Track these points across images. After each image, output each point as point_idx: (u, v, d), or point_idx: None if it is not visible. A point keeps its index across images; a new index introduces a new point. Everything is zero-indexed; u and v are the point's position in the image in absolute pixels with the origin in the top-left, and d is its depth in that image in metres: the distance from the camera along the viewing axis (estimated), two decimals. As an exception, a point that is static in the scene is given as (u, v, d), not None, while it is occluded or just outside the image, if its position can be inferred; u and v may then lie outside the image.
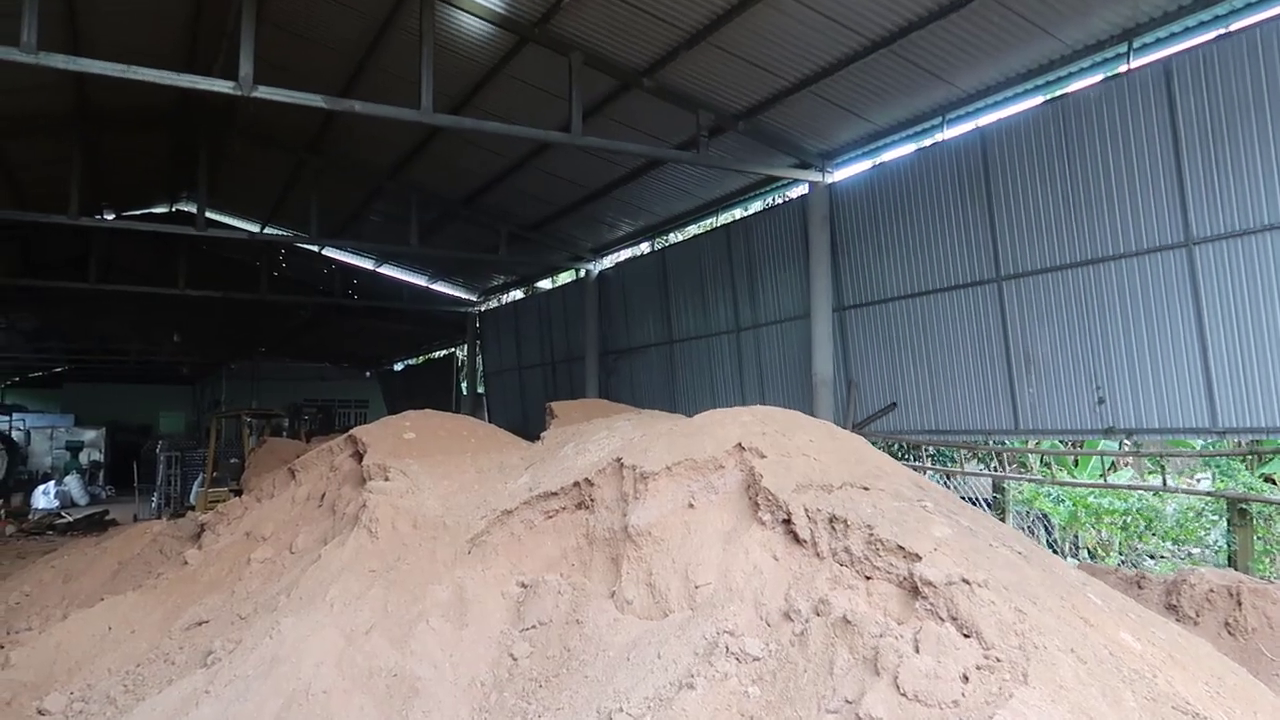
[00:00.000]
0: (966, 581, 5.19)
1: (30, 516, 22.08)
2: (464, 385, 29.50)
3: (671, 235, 18.82)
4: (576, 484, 7.30)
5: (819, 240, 13.12)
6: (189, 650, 7.35)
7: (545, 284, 24.45)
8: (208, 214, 18.02)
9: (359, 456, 8.93)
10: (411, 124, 14.59)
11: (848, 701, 4.80)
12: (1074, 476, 13.01)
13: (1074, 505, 11.84)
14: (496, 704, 6.07)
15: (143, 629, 8.06)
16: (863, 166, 13.19)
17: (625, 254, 20.25)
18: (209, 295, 23.05)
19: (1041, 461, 13.22)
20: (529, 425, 16.35)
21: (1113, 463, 13.77)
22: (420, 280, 26.36)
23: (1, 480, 26.07)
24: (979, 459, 12.99)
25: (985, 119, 11.17)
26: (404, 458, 8.56)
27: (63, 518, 21.46)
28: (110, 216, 22.26)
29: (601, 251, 20.08)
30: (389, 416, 9.53)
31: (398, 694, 6.01)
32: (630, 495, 6.97)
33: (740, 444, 6.85)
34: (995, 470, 12.43)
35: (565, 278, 23.17)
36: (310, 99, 10.18)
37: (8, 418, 34.25)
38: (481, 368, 27.47)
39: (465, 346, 28.48)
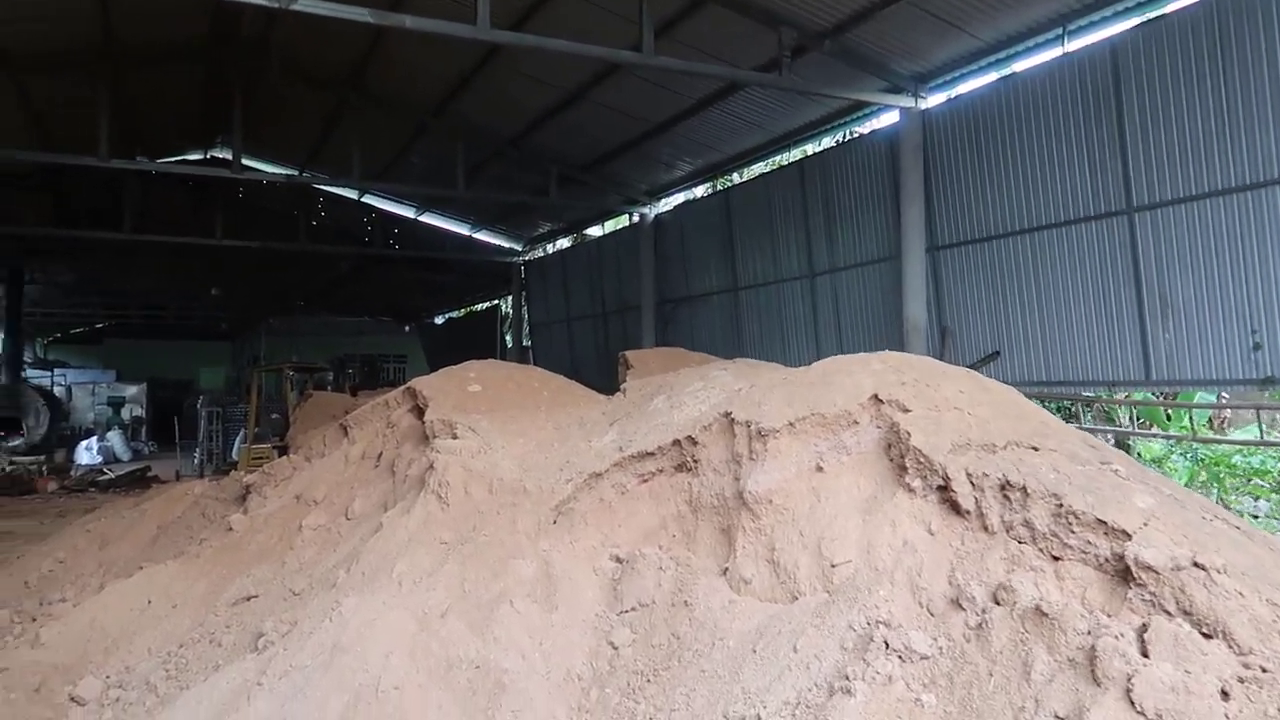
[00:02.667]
0: (1200, 566, 4.10)
1: (73, 472, 21.62)
2: (509, 338, 28.57)
3: (735, 176, 17.54)
4: (677, 442, 6.30)
5: (911, 173, 11.87)
6: (236, 630, 6.47)
7: (595, 231, 23.31)
8: (243, 160, 17.02)
9: (419, 411, 7.99)
10: (459, 51, 13.49)
11: (1059, 718, 3.76)
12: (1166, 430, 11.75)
13: (1214, 465, 10.61)
14: (598, 702, 5.14)
15: (185, 603, 7.22)
16: (962, 90, 11.85)
17: (682, 197, 19.03)
18: (246, 245, 22.22)
19: (1166, 417, 11.96)
20: (580, 379, 15.34)
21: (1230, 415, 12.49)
22: (463, 229, 25.33)
23: (44, 436, 25.66)
24: (1096, 414, 11.78)
25: (1116, 27, 9.79)
26: (471, 412, 7.59)
27: (104, 474, 20.99)
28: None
29: (657, 194, 18.87)
30: (450, 367, 8.57)
31: (481, 690, 5.08)
32: (744, 456, 5.97)
33: (876, 395, 5.79)
34: (1119, 426, 11.23)
35: (616, 224, 22.02)
36: (356, 13, 9.08)
37: (49, 373, 34.02)
38: (527, 319, 26.47)
39: (510, 298, 27.49)
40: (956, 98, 11.83)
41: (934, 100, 12.06)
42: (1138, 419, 11.24)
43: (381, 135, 18.19)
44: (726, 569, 5.61)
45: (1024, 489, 4.80)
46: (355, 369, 24.04)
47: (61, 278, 30.92)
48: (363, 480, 7.84)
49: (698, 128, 15.27)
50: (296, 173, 21.14)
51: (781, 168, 15.53)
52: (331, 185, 22.70)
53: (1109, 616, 4.12)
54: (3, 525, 14.52)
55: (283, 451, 15.86)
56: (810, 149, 15.38)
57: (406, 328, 39.84)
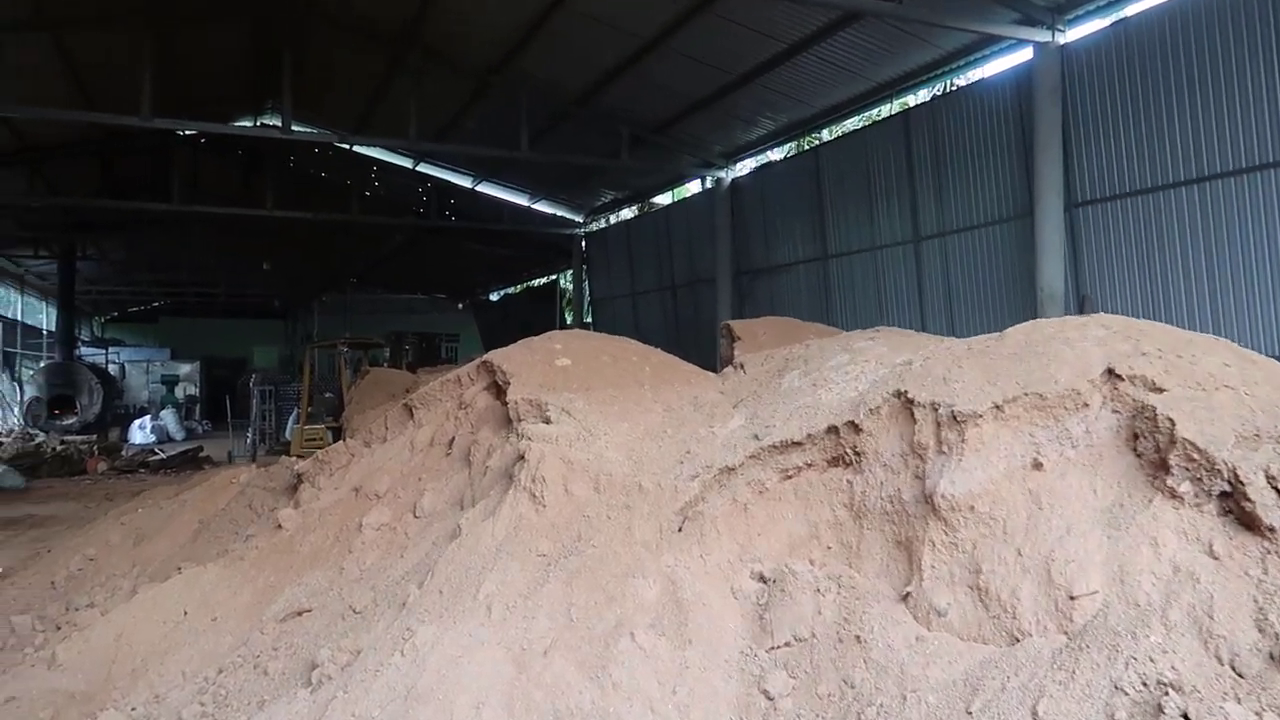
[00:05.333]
0: None
1: (125, 452, 20.96)
2: (569, 315, 27.36)
3: (824, 133, 16.01)
4: (832, 430, 4.97)
5: (1046, 119, 10.31)
6: (286, 654, 5.30)
7: (663, 199, 21.92)
8: (294, 126, 15.92)
9: (498, 390, 6.75)
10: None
11: None
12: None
13: None
14: (757, 777, 3.83)
15: (226, 615, 6.10)
16: (1107, 21, 10.24)
17: (760, 159, 17.55)
18: (298, 216, 21.29)
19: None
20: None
21: None
22: (522, 200, 24.12)
23: (98, 415, 25.13)
24: None
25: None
26: (560, 391, 6.32)
27: (155, 454, 20.27)
28: (191, 132, 20.59)
29: (735, 156, 17.42)
30: (531, 338, 7.31)
31: (601, 756, 3.79)
32: (930, 448, 4.63)
33: (1111, 370, 4.38)
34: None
35: (685, 192, 20.62)
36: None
37: (104, 351, 33.70)
38: (589, 295, 25.20)
39: (570, 272, 26.25)
40: (1103, 29, 10.22)
41: (1073, 34, 10.46)
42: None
43: (438, 96, 16.95)
44: (908, 594, 4.32)
45: (1367, 501, 3.40)
46: (412, 345, 23.02)
47: (114, 254, 30.42)
48: (432, 471, 6.64)
49: (786, 77, 13.77)
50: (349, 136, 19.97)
51: (881, 121, 13.99)
52: (386, 149, 21.63)
53: None
54: (47, 509, 13.78)
55: (337, 433, 14.91)
56: (911, 100, 13.81)
57: (460, 305, 38.93)
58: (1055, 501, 4.16)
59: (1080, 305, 10.45)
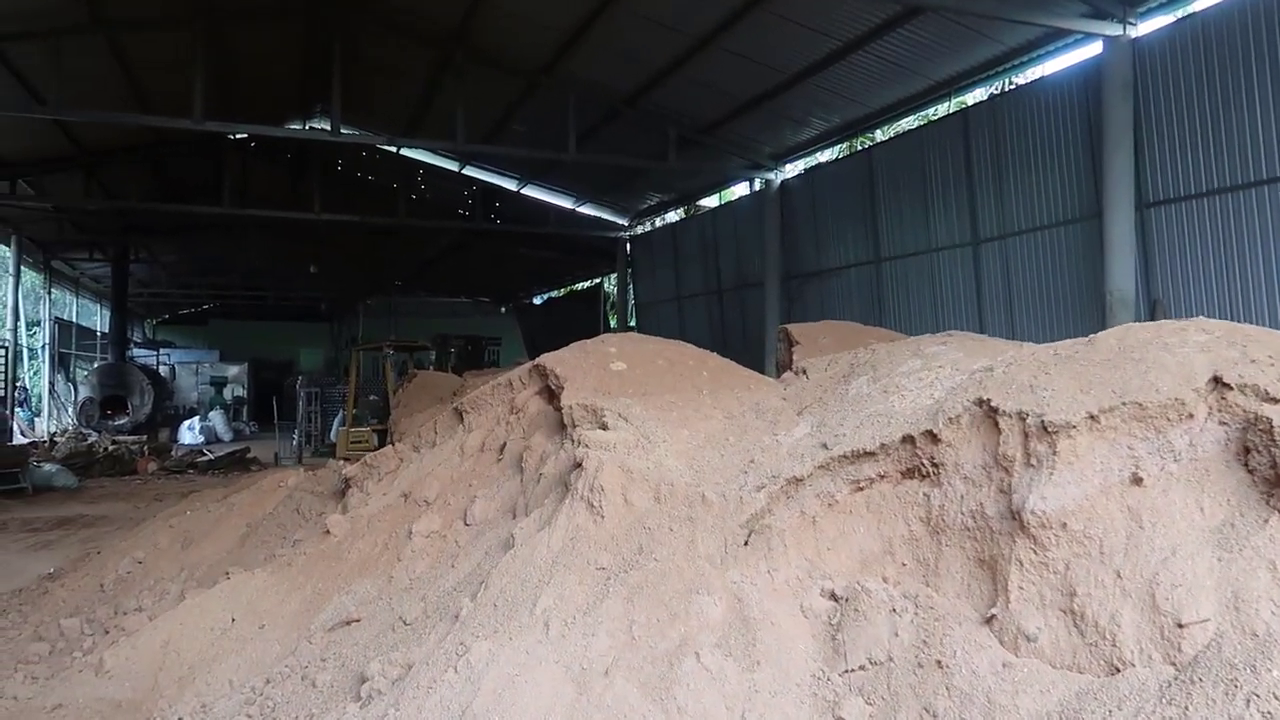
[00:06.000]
0: None
1: (174, 452, 21.17)
2: (612, 319, 27.17)
3: (877, 133, 15.65)
4: (908, 439, 4.69)
5: (1117, 116, 9.89)
6: (334, 666, 5.13)
7: (709, 202, 21.65)
8: (342, 130, 15.92)
9: (551, 394, 6.55)
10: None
11: None
12: None
13: None
14: (834, 814, 3.56)
15: (274, 623, 5.96)
16: (1184, 12, 9.81)
17: (811, 161, 17.21)
18: (345, 219, 21.38)
19: None
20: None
21: None
22: (567, 203, 23.98)
23: (149, 416, 25.46)
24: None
25: None
26: (616, 396, 6.09)
27: (204, 455, 20.44)
28: (241, 136, 20.78)
29: (784, 157, 17.11)
30: (584, 341, 7.10)
31: (666, 787, 3.55)
32: (1017, 461, 4.33)
33: (1218, 378, 4.05)
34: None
35: (733, 194, 20.33)
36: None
37: (155, 353, 34.21)
38: (633, 299, 24.99)
39: (614, 276, 26.06)
40: (1177, 22, 9.78)
41: (1145, 28, 10.03)
42: None
43: (486, 97, 16.86)
44: (992, 616, 4.02)
45: None
46: (457, 348, 23.00)
47: (165, 257, 30.88)
48: (483, 477, 6.45)
49: (840, 76, 13.45)
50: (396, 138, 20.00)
51: (938, 120, 13.60)
52: (433, 151, 21.64)
53: None
54: (98, 509, 13.87)
55: (382, 435, 14.86)
56: (968, 100, 13.41)
57: (503, 308, 38.95)
58: (1158, 520, 3.85)
59: (1151, 310, 10.01)
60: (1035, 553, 4.01)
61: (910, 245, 13.95)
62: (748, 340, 17.70)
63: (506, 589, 4.63)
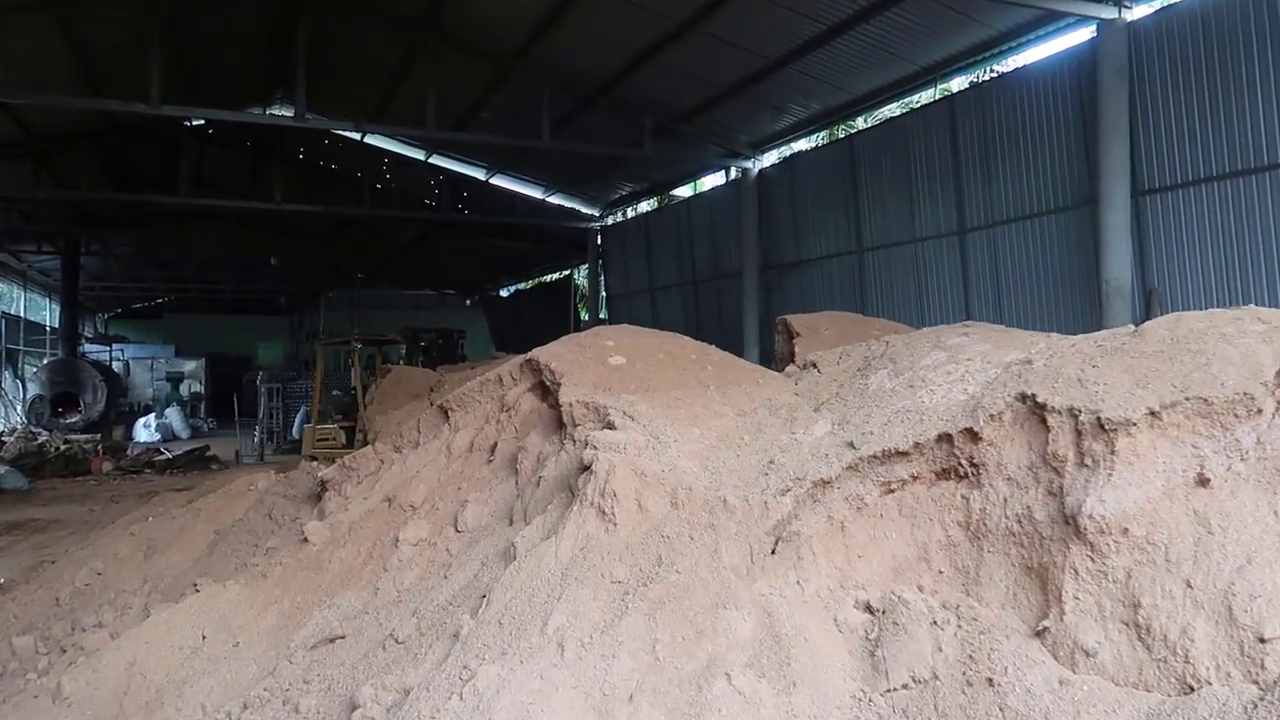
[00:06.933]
0: None
1: (130, 451, 20.39)
2: (583, 312, 26.72)
3: (859, 120, 15.37)
4: (944, 438, 4.38)
5: (1112, 101, 9.69)
6: (319, 689, 4.70)
7: (683, 192, 21.29)
8: (307, 116, 15.29)
9: (545, 390, 6.14)
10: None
11: None
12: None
13: None
14: None
15: (250, 640, 5.50)
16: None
17: (789, 150, 16.90)
18: (308, 210, 20.70)
19: None
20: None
21: None
22: (536, 193, 23.49)
23: (102, 413, 24.56)
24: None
25: None
26: (617, 392, 5.71)
27: (162, 454, 19.70)
28: (199, 122, 20.01)
29: (762, 146, 16.79)
30: (576, 334, 6.71)
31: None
32: (1069, 461, 4.06)
33: (1286, 370, 3.77)
34: None
35: (709, 183, 19.98)
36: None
37: (108, 348, 33.14)
38: (604, 290, 24.56)
39: (584, 268, 25.61)
40: (1175, 3, 9.59)
41: (1140, 11, 9.83)
42: None
43: (457, 83, 16.33)
44: (1045, 629, 3.73)
45: None
46: (429, 342, 22.39)
47: (119, 249, 29.85)
48: (474, 480, 6.03)
49: (823, 61, 13.13)
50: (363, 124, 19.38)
51: (925, 107, 13.35)
52: (399, 140, 21.02)
53: None
54: (51, 512, 13.22)
55: (350, 433, 14.32)
56: (954, 86, 13.18)
57: (468, 301, 38.31)
58: (1228, 525, 3.57)
59: (1147, 299, 9.84)
60: (1093, 560, 3.73)
61: (894, 235, 13.70)
62: (725, 332, 17.37)
63: (512, 605, 4.24)
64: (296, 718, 4.52)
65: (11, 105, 15.47)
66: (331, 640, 5.14)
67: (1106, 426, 3.82)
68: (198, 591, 5.98)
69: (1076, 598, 3.68)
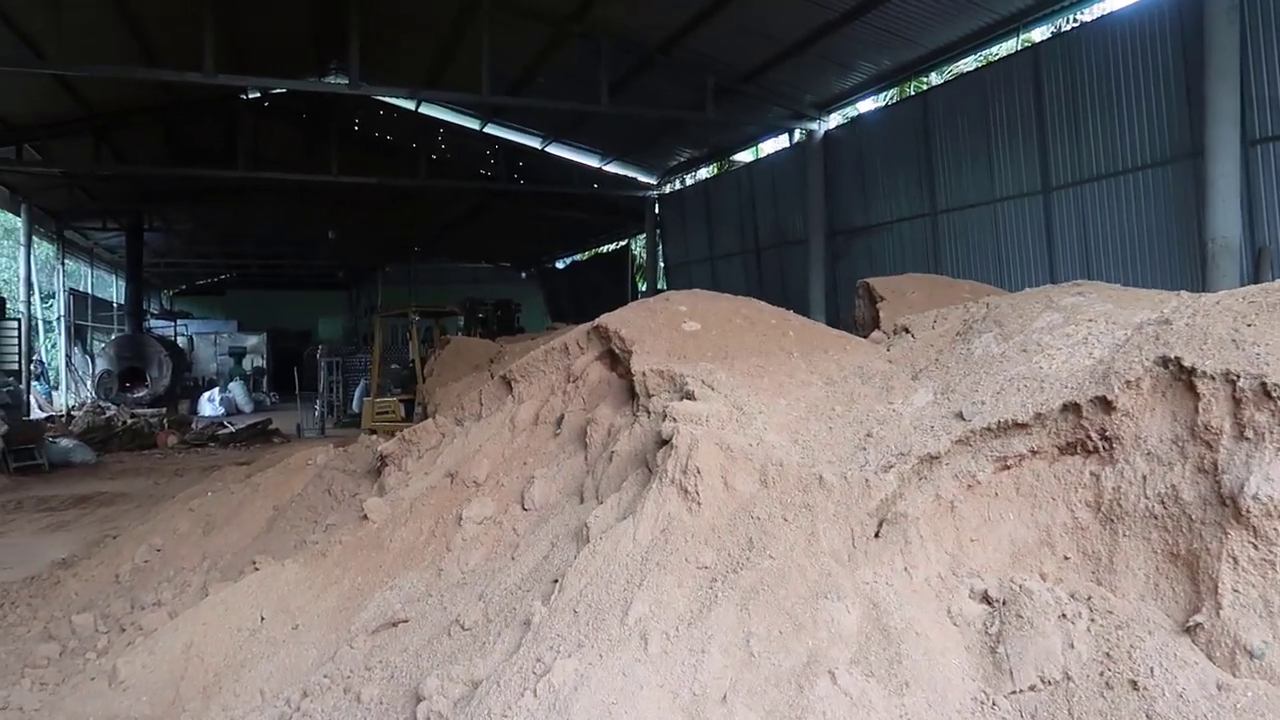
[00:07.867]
0: None
1: (194, 425, 20.60)
2: (641, 282, 26.27)
3: (932, 76, 14.59)
4: (1070, 408, 3.90)
5: (1222, 42, 8.91)
6: (382, 677, 4.41)
7: (743, 157, 20.65)
8: (360, 84, 15.00)
9: (614, 359, 5.75)
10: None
11: None
12: None
13: None
14: None
15: (309, 623, 5.25)
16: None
17: (853, 110, 16.18)
18: (364, 182, 20.55)
19: None
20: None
21: None
22: (593, 161, 23.02)
23: (168, 388, 24.90)
24: None
25: None
26: (693, 360, 5.29)
27: (225, 427, 19.86)
28: (255, 95, 19.92)
29: (828, 106, 16.11)
30: (646, 299, 6.28)
31: None
32: (1225, 433, 3.56)
33: None
34: None
35: (769, 147, 19.32)
36: None
37: (172, 324, 33.67)
38: (663, 260, 24.07)
39: (642, 237, 25.11)
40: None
41: (1253, -57, 9.02)
42: None
43: (512, 47, 15.90)
44: (1197, 625, 3.28)
45: None
46: (487, 313, 22.18)
47: (180, 225, 30.19)
48: (540, 454, 5.68)
49: (894, 14, 12.43)
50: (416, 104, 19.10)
51: (1005, 59, 12.57)
52: (454, 109, 20.70)
53: None
54: (117, 486, 13.29)
55: (409, 406, 14.14)
56: (1035, 37, 12.37)
57: (524, 273, 38.12)
58: None
59: (1256, 259, 9.09)
60: (1256, 547, 3.28)
61: (971, 196, 13.00)
62: (789, 300, 16.67)
63: (587, 592, 3.87)
64: (358, 708, 4.23)
65: (70, 81, 15.46)
66: (394, 624, 4.85)
67: (1274, 393, 3.32)
68: (256, 570, 5.75)
69: (1236, 590, 3.24)
